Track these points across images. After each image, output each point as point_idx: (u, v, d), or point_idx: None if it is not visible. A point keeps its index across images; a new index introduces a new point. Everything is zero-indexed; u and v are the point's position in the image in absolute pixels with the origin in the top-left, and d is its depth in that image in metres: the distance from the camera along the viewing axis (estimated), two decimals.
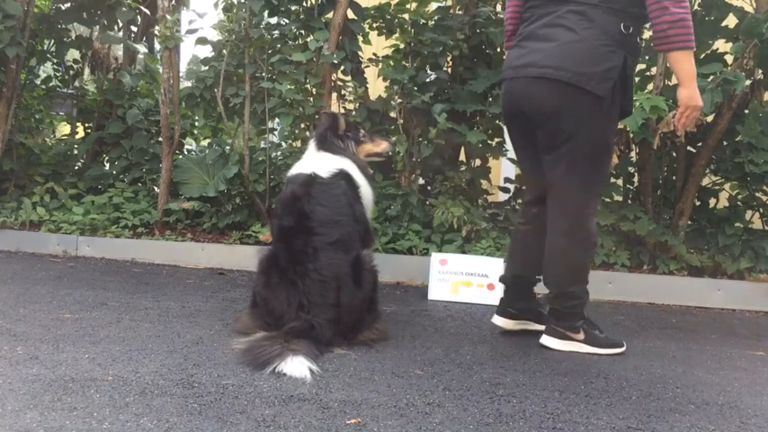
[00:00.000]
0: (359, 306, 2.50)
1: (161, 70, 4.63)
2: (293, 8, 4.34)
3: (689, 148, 4.14)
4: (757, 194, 4.11)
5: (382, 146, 2.98)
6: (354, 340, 2.47)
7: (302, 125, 4.40)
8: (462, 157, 4.61)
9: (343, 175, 2.66)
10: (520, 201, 4.53)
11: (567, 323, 2.56)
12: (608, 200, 4.12)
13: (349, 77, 4.51)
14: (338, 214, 2.55)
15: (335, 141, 2.80)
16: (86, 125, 5.42)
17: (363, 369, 2.17)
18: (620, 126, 3.83)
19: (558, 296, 2.57)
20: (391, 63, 4.43)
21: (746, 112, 3.94)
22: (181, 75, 4.80)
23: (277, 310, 2.45)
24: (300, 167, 2.73)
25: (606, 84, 2.35)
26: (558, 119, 2.43)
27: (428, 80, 4.41)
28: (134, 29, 5.39)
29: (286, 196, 2.65)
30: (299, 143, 4.53)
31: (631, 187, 4.28)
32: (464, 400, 1.92)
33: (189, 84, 4.71)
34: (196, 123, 5.12)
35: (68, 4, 5.06)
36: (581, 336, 2.56)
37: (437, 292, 3.57)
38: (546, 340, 2.60)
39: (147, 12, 5.15)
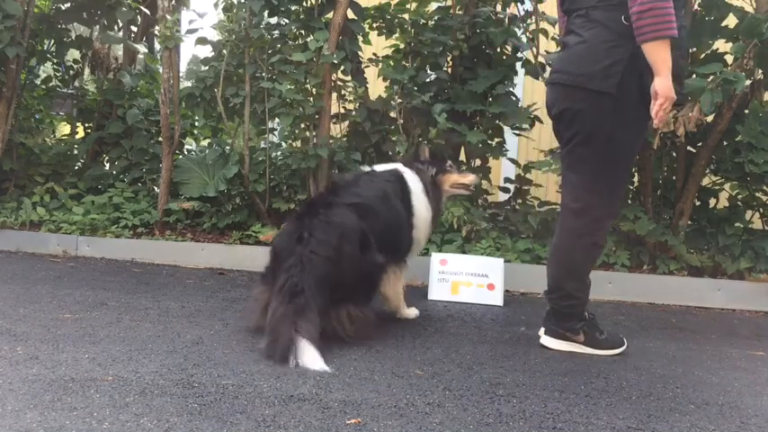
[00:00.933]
0: (357, 270, 2.50)
1: (161, 70, 4.63)
2: (293, 8, 4.34)
3: (689, 148, 4.14)
4: (757, 194, 4.11)
5: (469, 178, 3.09)
6: (340, 314, 2.45)
7: (302, 125, 4.40)
8: (462, 157, 4.61)
9: (396, 174, 2.82)
10: (520, 201, 4.54)
11: (567, 324, 2.56)
12: None
13: (349, 77, 4.50)
14: (366, 191, 2.69)
15: (415, 164, 2.97)
16: (86, 125, 5.42)
17: (363, 369, 2.17)
18: None
19: (554, 293, 2.57)
20: (391, 63, 4.43)
21: (746, 112, 3.94)
22: (181, 75, 4.80)
23: (278, 247, 2.54)
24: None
25: (610, 79, 2.34)
26: (566, 120, 2.47)
27: (428, 80, 4.41)
28: (134, 29, 5.39)
29: (339, 179, 2.86)
30: (299, 143, 4.53)
31: (631, 187, 4.28)
32: (464, 400, 1.92)
33: (189, 84, 4.71)
34: (196, 123, 5.12)
35: (68, 4, 5.06)
36: (581, 338, 2.56)
37: (437, 292, 3.57)
38: (546, 340, 2.60)
39: (147, 12, 5.16)
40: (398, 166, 2.93)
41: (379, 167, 2.91)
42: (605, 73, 2.35)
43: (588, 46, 2.39)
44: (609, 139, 2.41)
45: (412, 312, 3.00)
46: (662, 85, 2.29)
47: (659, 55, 2.27)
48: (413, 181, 2.84)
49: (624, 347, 2.59)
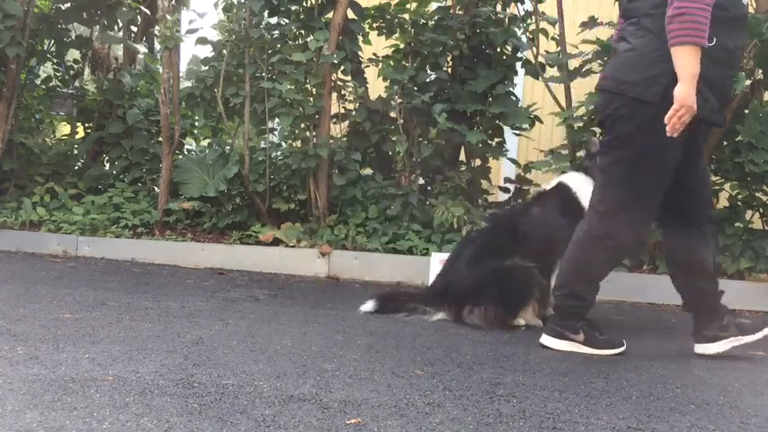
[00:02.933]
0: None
1: (161, 70, 4.63)
2: (293, 8, 4.34)
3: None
4: (757, 194, 4.10)
5: None
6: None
7: (302, 125, 4.40)
8: (462, 157, 4.61)
9: (557, 188, 3.08)
10: (520, 201, 4.54)
11: (568, 323, 2.57)
12: None
13: (349, 77, 4.51)
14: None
15: (587, 163, 3.07)
16: (86, 125, 5.42)
17: (363, 369, 2.17)
18: None
19: (561, 290, 2.57)
20: (391, 63, 4.43)
21: (746, 112, 3.93)
22: (181, 75, 4.80)
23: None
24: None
25: (654, 89, 2.34)
26: (607, 125, 2.50)
27: (428, 80, 4.41)
28: (134, 29, 5.39)
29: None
30: (299, 143, 4.53)
31: None
32: (464, 400, 1.92)
33: (189, 84, 4.71)
34: (196, 123, 5.12)
35: (68, 4, 5.06)
36: (580, 337, 2.56)
37: None
38: (545, 339, 2.60)
39: (147, 12, 5.16)
40: (563, 177, 3.12)
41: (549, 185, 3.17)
42: (650, 82, 2.35)
43: (637, 54, 2.40)
44: (644, 148, 2.41)
45: None
46: (680, 91, 2.26)
47: (684, 60, 2.26)
48: (580, 184, 2.96)
49: (623, 348, 2.59)
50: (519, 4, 4.41)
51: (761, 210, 4.17)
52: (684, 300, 2.70)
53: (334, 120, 4.55)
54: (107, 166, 5.20)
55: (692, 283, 2.63)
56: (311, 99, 4.26)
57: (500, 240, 3.05)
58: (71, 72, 5.42)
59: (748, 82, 3.72)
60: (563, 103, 4.14)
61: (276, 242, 4.16)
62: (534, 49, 4.28)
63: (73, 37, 5.22)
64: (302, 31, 4.39)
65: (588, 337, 2.56)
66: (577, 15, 4.48)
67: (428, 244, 4.05)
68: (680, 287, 2.69)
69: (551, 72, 4.33)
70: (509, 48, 4.45)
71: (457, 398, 1.94)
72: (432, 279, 3.58)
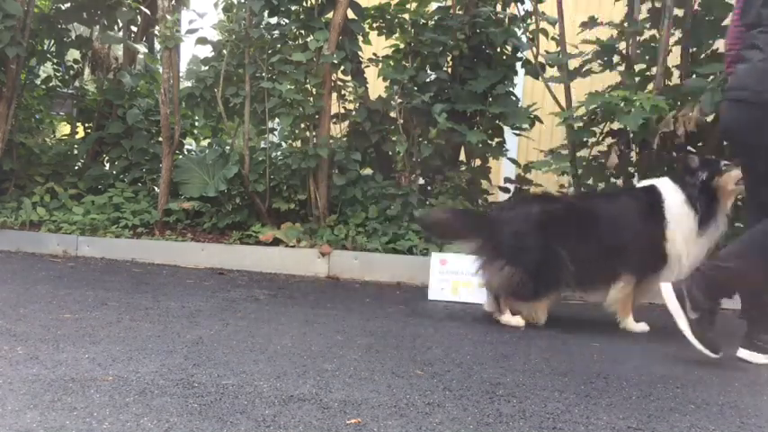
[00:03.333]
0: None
1: (161, 70, 4.63)
2: (293, 8, 4.35)
3: (689, 148, 4.13)
4: None
5: None
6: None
7: (302, 125, 4.40)
8: (462, 157, 4.61)
9: (646, 189, 3.02)
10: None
11: (702, 295, 2.45)
12: None
13: (349, 77, 4.51)
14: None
15: (684, 177, 2.96)
16: (86, 125, 5.42)
17: (363, 369, 2.17)
18: (620, 126, 3.84)
19: (721, 251, 2.55)
20: (391, 63, 4.43)
21: None
22: (181, 75, 4.80)
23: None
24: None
25: None
26: (740, 136, 2.50)
27: (428, 80, 4.42)
28: (134, 29, 5.40)
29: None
30: (299, 143, 4.54)
31: None
32: (464, 400, 1.92)
33: (189, 84, 4.71)
34: (196, 123, 5.12)
35: (68, 4, 5.07)
36: (694, 315, 2.44)
37: (437, 292, 3.57)
38: (665, 287, 2.50)
39: (147, 12, 5.16)
40: (657, 181, 3.03)
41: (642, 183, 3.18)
42: None
43: None
44: None
45: (637, 327, 3.00)
46: None
47: None
48: (671, 193, 2.90)
49: (719, 356, 2.46)
50: (519, 4, 4.41)
51: None
52: (744, 307, 2.68)
53: (334, 120, 4.55)
54: (107, 166, 5.21)
55: (758, 296, 2.60)
56: (311, 99, 4.26)
57: (566, 220, 2.98)
58: (71, 72, 5.42)
59: None
60: (563, 103, 4.14)
61: (276, 242, 4.16)
62: (534, 49, 4.29)
63: (73, 37, 5.22)
64: (302, 31, 4.39)
65: (698, 323, 2.45)
66: (577, 15, 4.49)
67: (428, 244, 4.05)
68: (744, 295, 2.67)
69: (551, 72, 4.33)
70: (509, 48, 4.46)
71: (457, 398, 1.94)
72: (432, 279, 3.59)
